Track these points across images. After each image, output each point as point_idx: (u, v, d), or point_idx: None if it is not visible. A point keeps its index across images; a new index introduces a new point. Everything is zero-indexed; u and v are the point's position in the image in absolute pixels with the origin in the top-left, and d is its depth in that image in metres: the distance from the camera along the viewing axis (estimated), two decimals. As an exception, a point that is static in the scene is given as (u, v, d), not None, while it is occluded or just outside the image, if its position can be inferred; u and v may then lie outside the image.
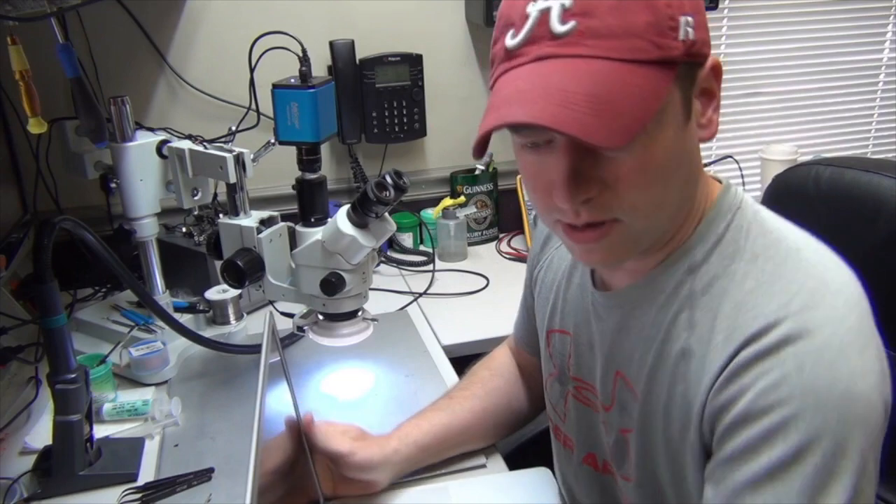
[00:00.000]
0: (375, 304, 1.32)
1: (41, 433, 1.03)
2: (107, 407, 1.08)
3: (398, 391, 1.14)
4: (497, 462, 0.97)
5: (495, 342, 1.32)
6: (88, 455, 0.96)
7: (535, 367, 0.96)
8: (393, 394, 1.14)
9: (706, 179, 0.69)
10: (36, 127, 1.09)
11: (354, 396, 1.14)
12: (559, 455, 0.90)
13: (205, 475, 0.94)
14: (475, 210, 1.76)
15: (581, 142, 0.54)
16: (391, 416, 1.07)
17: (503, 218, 1.82)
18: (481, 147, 0.61)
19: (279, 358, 0.83)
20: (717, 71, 0.62)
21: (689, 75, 0.60)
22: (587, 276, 0.79)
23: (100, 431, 1.01)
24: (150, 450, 1.01)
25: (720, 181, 0.70)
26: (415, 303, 1.47)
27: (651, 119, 0.56)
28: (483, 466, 0.96)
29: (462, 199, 1.73)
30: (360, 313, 1.11)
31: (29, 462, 0.96)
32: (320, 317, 1.11)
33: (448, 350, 1.29)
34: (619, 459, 0.75)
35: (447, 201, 1.70)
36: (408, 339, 1.31)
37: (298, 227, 1.07)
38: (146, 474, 0.97)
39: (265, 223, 1.09)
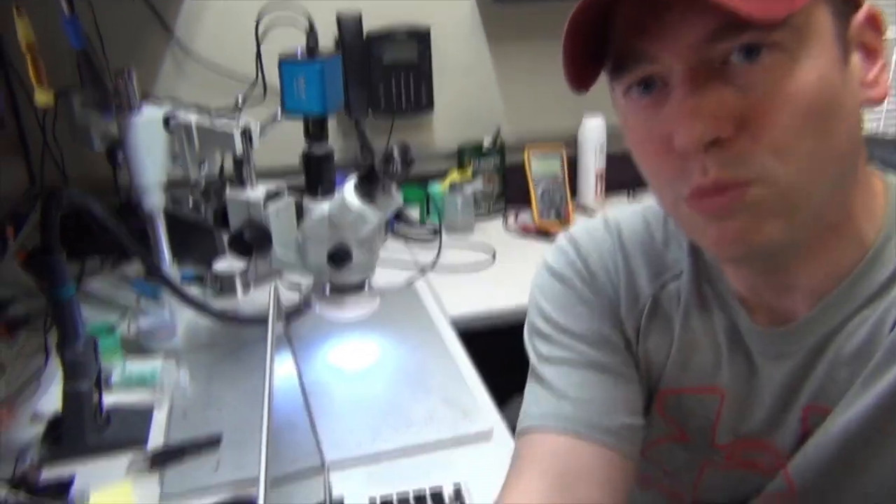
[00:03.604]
0: (382, 277, 1.33)
1: (51, 400, 1.04)
2: (115, 375, 1.09)
3: (405, 364, 1.15)
4: (503, 432, 0.98)
5: (502, 315, 1.33)
6: (98, 422, 0.97)
7: (606, 458, 0.60)
8: (399, 366, 1.14)
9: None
10: (42, 98, 1.09)
11: (361, 368, 1.15)
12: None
13: (213, 443, 0.95)
14: (482, 184, 1.75)
15: (725, 8, 0.42)
16: (397, 387, 1.08)
17: (510, 193, 1.81)
18: (576, 64, 0.49)
19: (284, 328, 0.84)
20: (874, 22, 0.50)
21: (841, 10, 0.48)
22: (740, 314, 0.60)
23: (109, 399, 1.02)
24: (159, 418, 1.03)
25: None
26: (421, 276, 1.47)
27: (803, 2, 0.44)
28: (488, 435, 0.97)
29: (469, 173, 1.72)
30: (366, 286, 1.12)
31: (39, 428, 0.98)
32: (327, 290, 1.11)
33: (455, 323, 1.29)
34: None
35: (454, 175, 1.70)
36: (414, 312, 1.32)
37: (306, 200, 1.07)
38: (155, 441, 0.98)
39: (272, 196, 1.09)
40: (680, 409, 0.65)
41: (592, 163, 1.79)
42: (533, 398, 0.64)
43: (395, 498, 0.85)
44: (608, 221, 0.68)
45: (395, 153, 0.92)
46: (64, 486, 0.89)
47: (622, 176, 1.81)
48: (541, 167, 1.73)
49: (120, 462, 0.94)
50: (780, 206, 0.47)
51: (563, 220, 1.70)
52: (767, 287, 0.58)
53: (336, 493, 0.87)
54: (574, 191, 1.82)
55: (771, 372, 0.58)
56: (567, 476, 0.57)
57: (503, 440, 0.97)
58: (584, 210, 1.82)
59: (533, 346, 0.66)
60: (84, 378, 0.94)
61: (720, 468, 0.64)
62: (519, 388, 0.94)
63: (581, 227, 0.69)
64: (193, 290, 1.32)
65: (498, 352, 1.22)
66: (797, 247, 0.51)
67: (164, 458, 0.93)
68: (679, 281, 0.63)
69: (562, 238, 0.70)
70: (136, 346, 1.19)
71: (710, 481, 0.66)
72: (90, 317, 1.23)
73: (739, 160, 0.46)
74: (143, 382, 1.09)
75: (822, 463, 0.56)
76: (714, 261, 0.61)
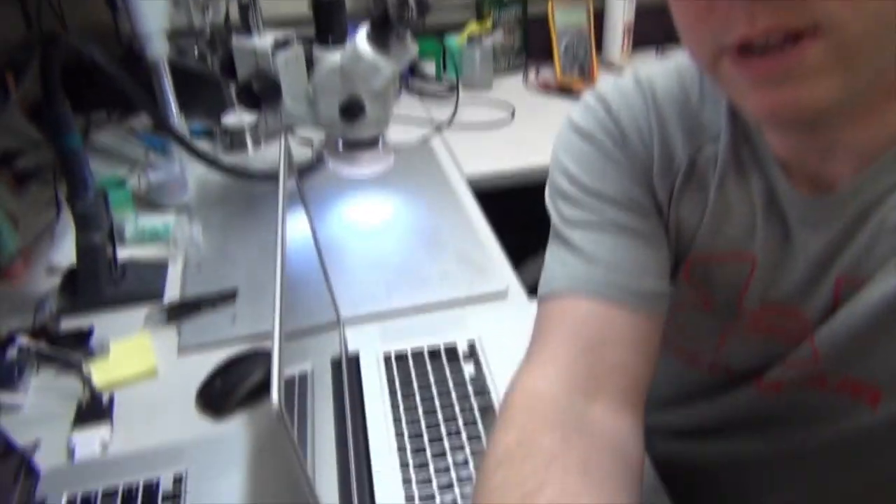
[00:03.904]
0: (396, 134, 1.29)
1: (66, 253, 1.04)
2: (128, 229, 1.09)
3: (419, 222, 1.13)
4: (518, 292, 0.98)
5: (519, 176, 1.30)
6: (113, 275, 0.97)
7: (636, 323, 0.57)
8: (414, 224, 1.13)
9: None
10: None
11: (375, 226, 1.13)
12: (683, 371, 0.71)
13: (228, 296, 0.96)
14: (502, 37, 1.66)
15: None
16: (412, 246, 1.07)
17: (532, 46, 1.72)
18: None
19: (296, 184, 0.81)
20: None
21: None
22: (780, 180, 0.55)
23: (123, 254, 1.02)
24: (173, 272, 1.03)
25: None
26: (437, 133, 1.42)
27: None
28: (503, 295, 0.97)
29: (489, 25, 1.63)
30: (380, 143, 1.08)
31: (56, 280, 0.98)
32: (340, 145, 1.07)
33: (471, 182, 1.26)
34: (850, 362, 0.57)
35: (473, 27, 1.61)
36: (429, 170, 1.28)
37: (316, 49, 1.01)
38: (171, 295, 0.99)
39: (280, 45, 1.03)
40: (707, 277, 0.62)
41: (621, 14, 1.68)
42: (558, 261, 0.61)
43: (409, 352, 0.86)
44: (640, 79, 0.62)
45: (411, -3, 0.85)
46: (83, 336, 0.90)
47: (652, 30, 1.71)
48: (565, 19, 1.62)
49: (137, 315, 0.95)
50: (840, 62, 0.40)
51: (587, 76, 1.62)
52: (811, 150, 0.53)
53: (351, 347, 0.88)
54: (599, 45, 1.72)
55: (807, 240, 0.55)
56: (596, 341, 0.56)
57: (518, 300, 0.96)
58: (609, 66, 1.73)
59: (556, 209, 0.63)
60: (96, 230, 0.94)
61: (743, 335, 0.63)
62: (534, 250, 0.92)
63: (610, 84, 0.64)
64: (203, 145, 1.29)
65: (514, 212, 1.20)
66: (851, 107, 0.46)
67: (181, 312, 0.94)
68: (716, 144, 0.58)
69: (589, 96, 0.64)
70: (148, 202, 1.17)
71: (732, 347, 0.65)
72: (99, 170, 1.21)
73: (795, 3, 0.39)
74: (157, 237, 1.08)
75: (851, 334, 0.54)
76: (754, 123, 0.57)
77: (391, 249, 1.07)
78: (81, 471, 0.76)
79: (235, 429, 0.79)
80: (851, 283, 0.54)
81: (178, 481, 0.73)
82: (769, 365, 0.61)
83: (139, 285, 0.99)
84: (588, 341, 0.56)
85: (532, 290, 1.00)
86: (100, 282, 0.95)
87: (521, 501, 0.44)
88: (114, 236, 0.98)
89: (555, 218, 0.63)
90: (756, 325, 0.62)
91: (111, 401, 0.83)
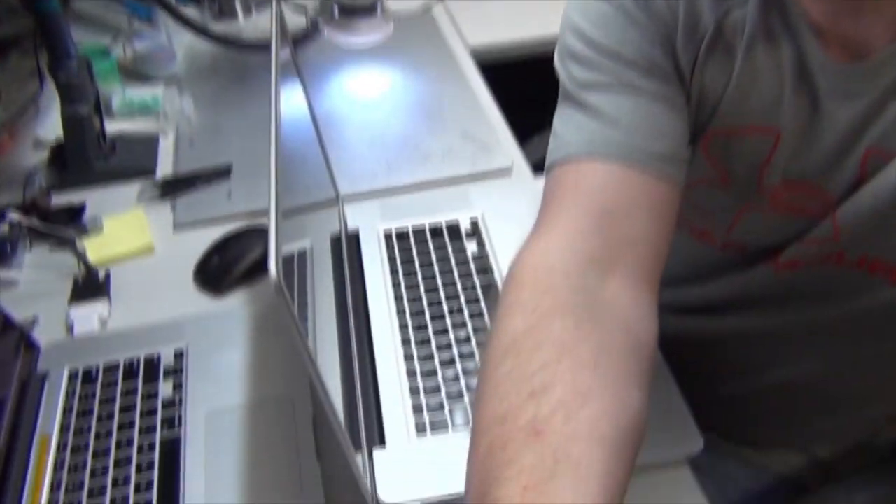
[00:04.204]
0: (395, 1, 1.20)
1: (52, 126, 1.00)
2: (116, 101, 1.04)
3: (421, 96, 1.08)
4: (523, 169, 0.94)
5: (528, 47, 1.23)
6: (103, 149, 0.94)
7: (657, 189, 0.54)
8: (416, 98, 1.07)
9: None
10: None
11: (374, 99, 1.08)
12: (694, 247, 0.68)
13: (223, 172, 0.93)
14: None
15: None
16: (414, 121, 1.02)
17: None
18: None
19: (290, 54, 0.76)
20: None
21: None
22: (812, 46, 0.51)
23: (112, 127, 0.98)
24: (165, 147, 0.99)
25: None
26: (439, 2, 1.34)
27: None
28: (508, 172, 0.94)
29: None
30: (378, 9, 1.01)
31: (44, 154, 0.95)
32: (336, 11, 1.01)
33: (475, 54, 1.19)
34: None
35: None
36: (431, 40, 1.21)
37: None
38: (164, 170, 0.95)
39: None
40: (727, 151, 0.59)
41: None
42: (571, 126, 0.56)
43: (410, 230, 0.84)
44: None
45: None
46: (76, 212, 0.88)
47: None
48: None
49: (129, 191, 0.92)
50: None
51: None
52: (847, 11, 0.49)
53: (350, 225, 0.85)
54: None
55: (836, 111, 0.52)
56: (613, 209, 0.52)
57: (523, 177, 0.93)
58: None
59: (568, 72, 0.58)
60: (81, 101, 0.89)
61: (761, 211, 0.60)
62: (541, 126, 0.88)
63: None
64: (190, 12, 1.21)
65: (520, 86, 1.14)
66: None
67: (175, 187, 0.91)
68: (744, 8, 0.53)
69: None
70: (135, 73, 1.11)
71: (748, 224, 0.62)
72: (81, 39, 1.14)
73: None
74: (146, 110, 1.04)
75: (874, 210, 0.52)
76: None
77: (391, 124, 1.02)
78: (81, 345, 0.75)
79: (235, 306, 0.79)
80: (879, 156, 0.51)
81: (178, 356, 0.73)
82: (786, 243, 0.59)
83: (130, 160, 0.95)
84: (604, 210, 0.52)
85: (538, 167, 0.96)
86: (89, 155, 0.91)
87: (529, 399, 0.41)
88: (101, 108, 0.93)
89: (566, 82, 0.58)
90: (775, 203, 0.59)
91: (107, 277, 0.81)
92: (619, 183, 0.52)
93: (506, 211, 0.86)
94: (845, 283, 0.57)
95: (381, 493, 0.61)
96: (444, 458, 0.63)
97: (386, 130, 1.01)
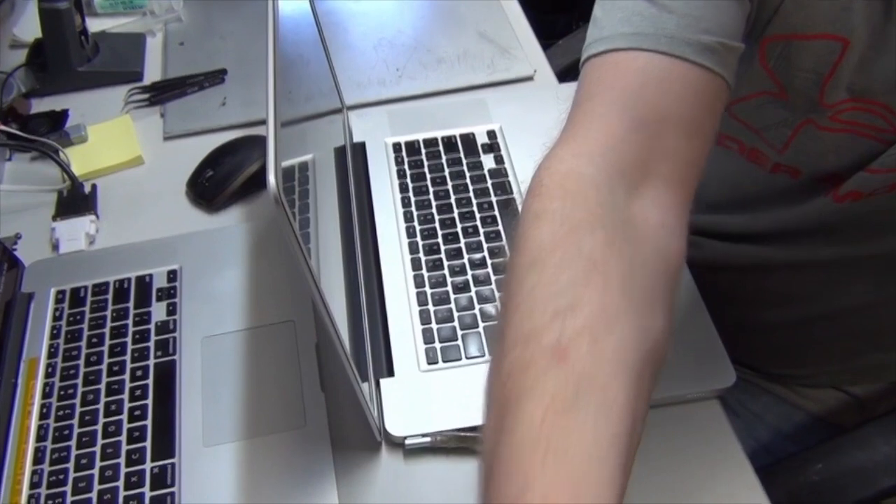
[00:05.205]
0: None
1: (30, 26, 0.91)
2: (98, -3, 0.95)
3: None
4: (547, 75, 0.86)
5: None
6: (85, 50, 0.86)
7: (709, 85, 0.47)
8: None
9: None
10: None
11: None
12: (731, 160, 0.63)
13: (217, 77, 0.85)
14: None
15: None
16: (426, 20, 0.94)
17: None
18: None
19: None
20: None
21: None
22: None
23: (94, 26, 0.90)
24: (153, 48, 0.91)
25: None
26: None
27: None
28: (530, 79, 0.86)
29: None
30: None
31: (21, 56, 0.87)
32: None
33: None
34: None
35: None
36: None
37: None
38: (152, 74, 0.88)
39: None
40: (787, 59, 0.52)
41: None
42: (617, 11, 0.48)
43: (420, 142, 0.77)
44: None
45: None
46: (58, 118, 0.81)
47: None
48: None
49: (116, 95, 0.85)
50: None
51: None
52: None
53: (357, 136, 0.78)
54: None
55: None
56: (653, 111, 0.45)
57: (547, 85, 0.85)
58: None
59: None
60: (58, -5, 0.81)
61: (820, 130, 0.54)
62: (567, 29, 0.79)
63: None
64: None
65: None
66: None
67: (164, 92, 0.84)
68: None
69: None
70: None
71: (804, 145, 0.55)
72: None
73: None
74: (131, 6, 0.95)
75: None
76: None
77: (401, 26, 0.93)
78: (68, 263, 0.70)
79: (231, 222, 0.73)
80: None
81: (172, 277, 0.68)
82: (846, 171, 0.53)
83: (115, 62, 0.87)
84: (643, 114, 0.45)
85: (563, 74, 0.88)
86: (70, 56, 0.84)
87: (553, 319, 0.37)
88: (81, 4, 0.85)
89: None
90: (837, 122, 0.53)
91: (94, 190, 0.76)
92: (663, 82, 0.45)
93: (527, 122, 0.78)
94: None
95: (389, 426, 0.57)
96: (456, 389, 0.59)
97: (395, 32, 0.92)
